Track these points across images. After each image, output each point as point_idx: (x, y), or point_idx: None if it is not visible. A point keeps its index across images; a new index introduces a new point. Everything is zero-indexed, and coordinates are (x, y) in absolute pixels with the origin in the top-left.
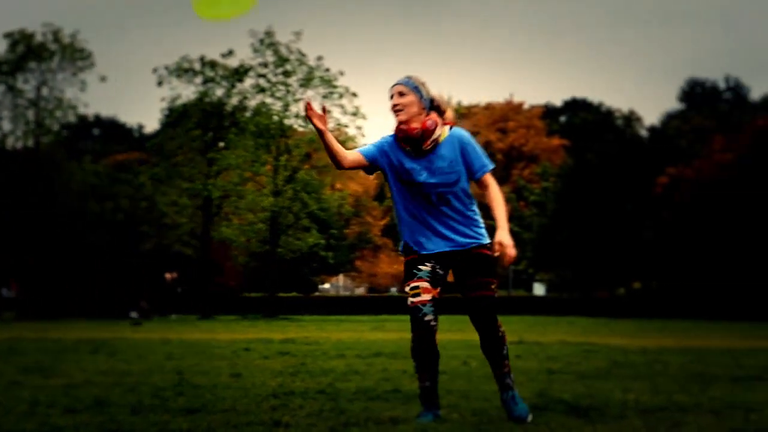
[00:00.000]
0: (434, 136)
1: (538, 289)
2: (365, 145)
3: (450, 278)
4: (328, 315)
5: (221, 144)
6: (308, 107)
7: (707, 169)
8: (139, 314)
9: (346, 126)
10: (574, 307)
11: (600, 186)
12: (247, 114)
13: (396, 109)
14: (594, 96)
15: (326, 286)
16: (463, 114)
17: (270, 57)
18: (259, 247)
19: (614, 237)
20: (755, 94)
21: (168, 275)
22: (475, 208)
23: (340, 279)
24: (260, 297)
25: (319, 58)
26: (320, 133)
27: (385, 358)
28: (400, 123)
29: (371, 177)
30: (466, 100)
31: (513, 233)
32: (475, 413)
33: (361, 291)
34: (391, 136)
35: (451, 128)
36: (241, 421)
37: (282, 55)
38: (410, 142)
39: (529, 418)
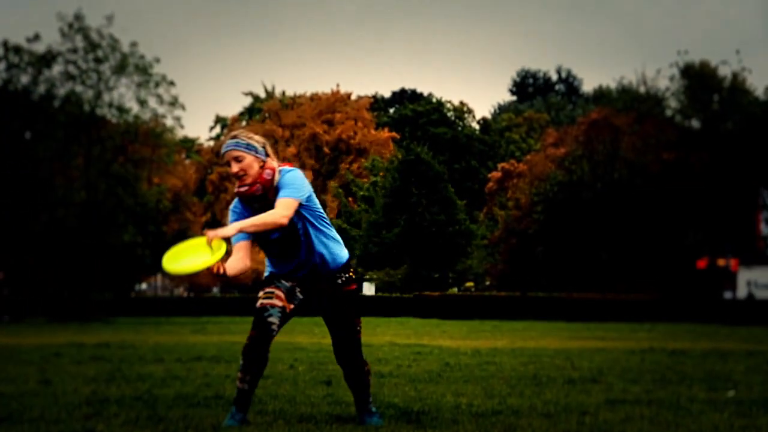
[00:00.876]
0: (274, 184)
1: (368, 289)
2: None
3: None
4: (145, 317)
5: (27, 135)
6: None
7: (540, 163)
8: None
9: (164, 117)
10: (405, 307)
11: (431, 180)
12: (56, 103)
13: (239, 176)
14: (424, 87)
15: (143, 286)
16: (288, 105)
17: (80, 42)
18: (69, 244)
19: (446, 234)
20: (587, 86)
21: None
22: (331, 231)
23: (158, 279)
24: (71, 298)
25: (133, 44)
26: (224, 274)
27: (207, 362)
28: (240, 187)
29: (192, 172)
30: (291, 90)
31: (341, 230)
32: (302, 419)
33: (180, 291)
34: (237, 201)
35: (282, 170)
36: (50, 430)
37: (93, 40)
38: (257, 200)
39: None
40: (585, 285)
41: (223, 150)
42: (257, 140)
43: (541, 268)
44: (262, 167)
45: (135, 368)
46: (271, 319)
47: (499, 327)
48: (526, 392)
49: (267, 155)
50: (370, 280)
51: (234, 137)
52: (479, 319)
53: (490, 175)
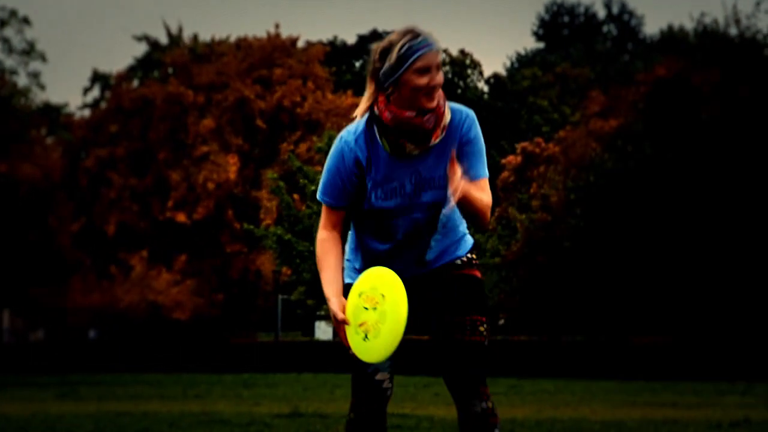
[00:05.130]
0: (444, 122)
1: (322, 332)
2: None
3: None
4: None
5: None
6: None
7: (582, 142)
8: None
9: (14, 72)
10: None
11: None
12: None
13: (434, 88)
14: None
15: None
16: (202, 55)
17: None
18: None
19: None
20: (651, 27)
21: None
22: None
23: (6, 317)
24: None
25: None
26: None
27: None
28: (410, 112)
29: (57, 156)
30: (206, 33)
31: (282, 243)
32: None
33: (39, 336)
34: (364, 131)
35: (452, 107)
36: None
37: None
38: (414, 138)
39: None
40: (647, 324)
41: (420, 50)
42: None
43: (588, 306)
44: None
45: None
46: (379, 377)
47: (519, 387)
48: None
49: None
50: (322, 318)
51: (420, 36)
52: (488, 377)
53: (505, 161)
